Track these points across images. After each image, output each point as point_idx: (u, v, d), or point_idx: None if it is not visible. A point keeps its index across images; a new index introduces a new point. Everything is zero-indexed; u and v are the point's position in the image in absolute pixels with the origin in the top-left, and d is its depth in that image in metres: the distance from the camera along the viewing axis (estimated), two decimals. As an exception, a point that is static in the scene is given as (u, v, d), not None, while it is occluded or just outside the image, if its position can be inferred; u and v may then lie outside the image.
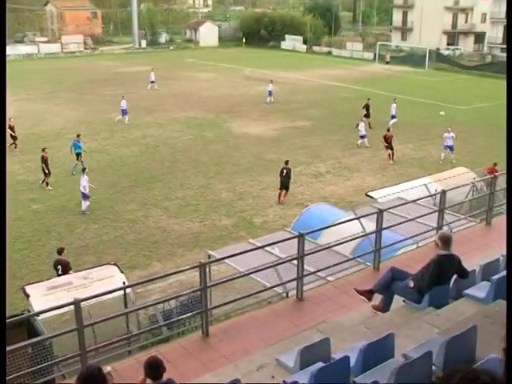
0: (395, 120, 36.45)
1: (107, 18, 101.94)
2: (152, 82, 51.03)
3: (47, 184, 25.34)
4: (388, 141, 30.45)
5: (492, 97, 49.22)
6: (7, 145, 29.53)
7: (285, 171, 24.38)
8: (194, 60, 73.20)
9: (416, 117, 37.61)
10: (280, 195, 24.28)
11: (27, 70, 63.44)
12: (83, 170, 23.43)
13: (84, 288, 12.85)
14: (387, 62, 68.45)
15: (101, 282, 13.23)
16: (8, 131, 29.87)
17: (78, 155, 27.51)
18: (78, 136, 28.42)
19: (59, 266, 16.51)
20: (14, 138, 30.89)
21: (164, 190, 25.20)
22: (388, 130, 31.64)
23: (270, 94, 45.69)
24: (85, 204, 22.74)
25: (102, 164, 28.73)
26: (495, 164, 23.99)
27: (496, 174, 20.29)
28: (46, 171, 25.20)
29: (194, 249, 19.68)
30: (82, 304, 7.20)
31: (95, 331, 10.64)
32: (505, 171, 16.00)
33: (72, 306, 7.08)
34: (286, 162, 24.77)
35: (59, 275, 16.43)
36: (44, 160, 25.26)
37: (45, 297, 12.54)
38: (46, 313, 7.73)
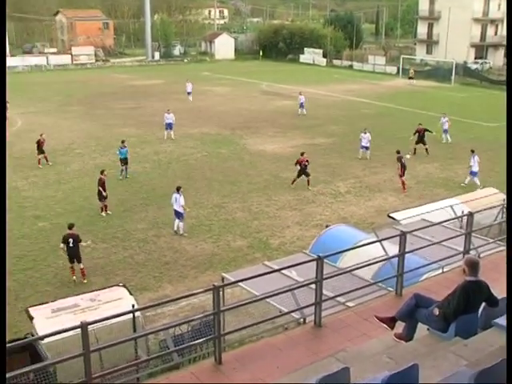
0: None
1: (119, 28, 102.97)
2: (189, 93, 52.46)
3: (106, 208, 24.60)
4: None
5: (523, 114, 48.95)
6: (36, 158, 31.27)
7: (304, 164, 28.20)
8: (209, 73, 73.81)
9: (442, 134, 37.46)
10: (294, 180, 28.30)
11: (36, 82, 64.44)
12: (177, 189, 22.76)
13: (91, 311, 12.90)
14: (410, 78, 68.04)
15: (109, 304, 13.27)
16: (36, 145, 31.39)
17: (124, 161, 29.60)
18: (123, 142, 29.92)
19: (70, 239, 18.18)
20: (41, 152, 31.41)
21: (176, 209, 25.24)
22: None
23: (302, 105, 46.80)
24: (180, 224, 22.70)
25: (111, 181, 28.80)
26: None
27: None
28: (104, 194, 24.33)
29: (207, 271, 19.68)
30: (89, 328, 7.18)
31: (102, 356, 10.63)
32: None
33: (78, 330, 7.06)
34: (302, 154, 28.53)
35: (69, 248, 18.18)
36: (102, 183, 24.35)
37: (49, 319, 12.58)
38: (51, 337, 7.67)
